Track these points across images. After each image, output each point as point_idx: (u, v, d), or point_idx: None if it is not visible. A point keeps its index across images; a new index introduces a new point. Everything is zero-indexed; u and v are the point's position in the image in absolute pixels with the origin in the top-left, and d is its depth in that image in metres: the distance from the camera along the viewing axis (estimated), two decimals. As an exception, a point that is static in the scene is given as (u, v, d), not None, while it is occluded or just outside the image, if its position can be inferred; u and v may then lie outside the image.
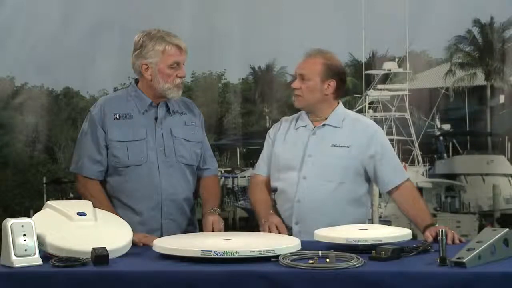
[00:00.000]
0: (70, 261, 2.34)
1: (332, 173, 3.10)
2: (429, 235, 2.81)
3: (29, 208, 25.17)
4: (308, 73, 3.13)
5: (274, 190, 3.22)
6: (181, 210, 3.13)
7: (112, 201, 3.07)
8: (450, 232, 2.76)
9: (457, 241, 2.76)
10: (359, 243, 2.52)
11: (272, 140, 3.28)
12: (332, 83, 3.14)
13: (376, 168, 3.13)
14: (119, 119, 3.09)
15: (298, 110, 3.28)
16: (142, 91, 3.13)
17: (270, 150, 3.28)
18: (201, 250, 2.34)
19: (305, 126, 3.20)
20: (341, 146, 3.11)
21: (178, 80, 3.08)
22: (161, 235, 2.94)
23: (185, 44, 3.10)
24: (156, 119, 3.12)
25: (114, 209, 2.99)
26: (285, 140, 3.23)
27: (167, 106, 3.14)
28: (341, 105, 3.24)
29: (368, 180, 3.19)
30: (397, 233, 2.62)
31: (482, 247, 2.30)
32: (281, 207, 3.17)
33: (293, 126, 3.25)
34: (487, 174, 27.59)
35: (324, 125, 3.17)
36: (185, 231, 3.08)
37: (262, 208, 3.15)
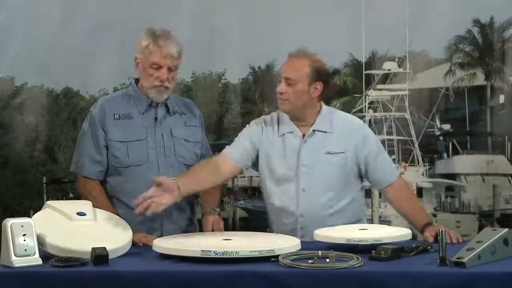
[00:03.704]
0: (70, 261, 2.34)
1: (332, 182, 3.02)
2: (429, 236, 2.79)
3: (29, 208, 25.19)
4: (295, 76, 2.98)
5: (271, 205, 3.10)
6: (181, 210, 3.13)
7: (112, 201, 3.07)
8: (452, 231, 2.77)
9: (460, 240, 2.76)
10: (359, 243, 2.52)
11: (254, 138, 3.09)
12: (319, 86, 3.02)
13: (370, 167, 3.06)
14: (119, 119, 3.09)
15: None
16: (141, 91, 3.13)
17: (250, 146, 3.08)
18: (201, 250, 2.34)
19: (292, 132, 3.06)
20: (336, 153, 3.03)
21: (157, 82, 3.03)
22: (161, 235, 2.94)
23: (176, 50, 3.01)
24: (156, 119, 3.12)
25: (114, 209, 2.98)
26: (273, 148, 3.07)
27: (166, 106, 3.14)
28: (324, 106, 3.11)
29: (360, 177, 3.12)
30: (397, 233, 2.62)
31: (482, 247, 2.30)
32: (281, 221, 3.06)
33: (276, 131, 3.09)
34: (487, 174, 27.59)
35: (313, 131, 3.05)
36: (185, 231, 3.08)
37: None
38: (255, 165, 3.14)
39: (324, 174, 3.02)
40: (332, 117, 3.10)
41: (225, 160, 3.07)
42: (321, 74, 3.03)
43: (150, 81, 3.04)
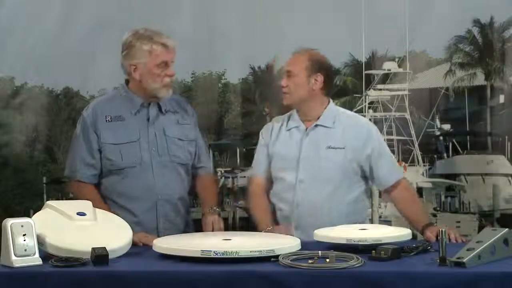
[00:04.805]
0: (70, 261, 2.34)
1: (329, 176, 3.08)
2: (431, 236, 2.80)
3: (29, 208, 25.15)
4: (294, 69, 3.12)
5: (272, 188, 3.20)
6: (177, 210, 3.12)
7: (107, 203, 3.05)
8: (453, 230, 2.79)
9: (459, 240, 2.77)
10: (359, 243, 2.52)
11: (265, 141, 3.25)
12: (320, 78, 3.11)
13: (374, 167, 3.11)
14: (110, 121, 3.07)
15: None
16: (133, 91, 3.11)
17: (265, 151, 3.23)
18: (201, 250, 2.34)
19: (297, 127, 3.18)
20: (336, 148, 3.09)
21: (167, 79, 3.05)
22: (158, 236, 2.93)
23: (173, 42, 3.06)
24: (148, 119, 3.10)
25: (110, 211, 2.97)
26: (278, 141, 3.20)
27: (158, 105, 3.12)
28: (332, 103, 3.22)
29: (365, 177, 3.17)
30: (397, 233, 2.62)
31: (482, 247, 2.30)
32: (277, 205, 3.15)
33: (285, 126, 3.22)
34: (487, 174, 27.53)
35: (316, 125, 3.14)
36: (182, 231, 3.07)
37: (263, 215, 3.10)
38: None
39: (323, 168, 3.08)
40: (337, 115, 3.19)
41: (258, 183, 3.22)
42: (320, 66, 3.13)
43: (159, 80, 3.04)
